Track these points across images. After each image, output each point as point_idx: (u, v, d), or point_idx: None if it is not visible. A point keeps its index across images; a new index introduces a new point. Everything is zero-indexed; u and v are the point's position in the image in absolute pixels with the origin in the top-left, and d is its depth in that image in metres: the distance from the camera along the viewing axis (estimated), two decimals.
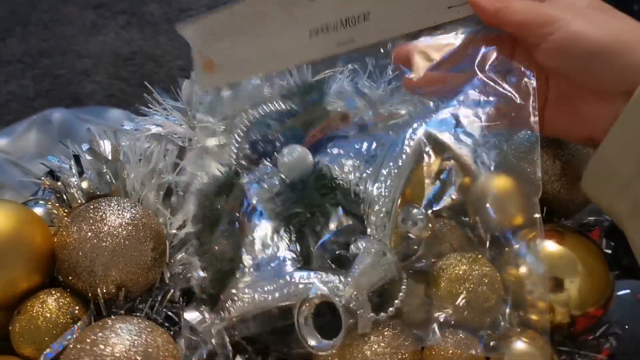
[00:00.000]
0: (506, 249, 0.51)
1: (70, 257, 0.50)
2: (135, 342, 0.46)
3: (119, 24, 1.69)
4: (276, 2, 0.55)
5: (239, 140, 0.56)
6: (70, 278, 0.50)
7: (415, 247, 0.49)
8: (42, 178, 0.55)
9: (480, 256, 0.49)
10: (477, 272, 0.48)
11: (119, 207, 0.51)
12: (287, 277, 0.50)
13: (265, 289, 0.50)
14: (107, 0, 1.73)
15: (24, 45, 1.65)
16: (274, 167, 0.53)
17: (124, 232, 0.50)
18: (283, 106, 0.57)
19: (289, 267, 0.51)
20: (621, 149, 0.47)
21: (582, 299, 0.50)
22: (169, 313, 0.53)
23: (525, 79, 0.50)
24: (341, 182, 0.52)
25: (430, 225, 0.49)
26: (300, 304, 0.47)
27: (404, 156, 0.51)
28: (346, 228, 0.51)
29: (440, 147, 0.52)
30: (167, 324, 0.52)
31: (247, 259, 0.52)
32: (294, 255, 0.51)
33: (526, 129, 0.50)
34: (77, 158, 0.53)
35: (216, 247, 0.53)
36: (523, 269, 0.49)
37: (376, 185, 0.51)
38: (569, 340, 0.50)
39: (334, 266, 0.50)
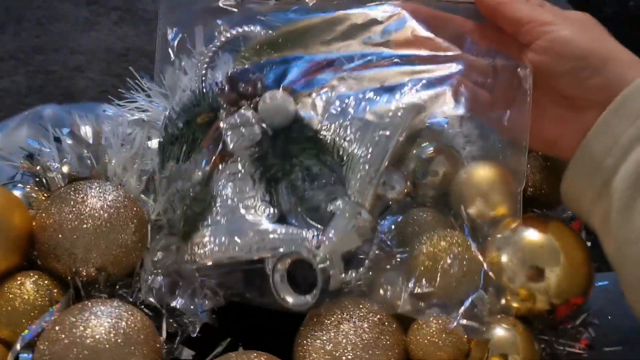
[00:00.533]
0: (488, 238, 0.51)
1: (50, 239, 0.49)
2: (116, 325, 0.46)
3: (112, 20, 1.68)
4: None
5: (210, 55, 0.54)
6: (49, 260, 0.50)
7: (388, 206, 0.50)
8: (22, 161, 0.54)
9: (460, 235, 0.50)
10: (455, 249, 0.49)
11: (100, 190, 0.50)
12: (261, 230, 0.50)
13: (237, 239, 0.50)
14: None
15: (17, 41, 1.64)
16: (255, 113, 0.51)
17: (105, 215, 0.50)
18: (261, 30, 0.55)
19: (263, 219, 0.50)
20: (589, 165, 0.49)
21: (562, 288, 0.49)
22: (150, 299, 0.52)
23: (520, 75, 0.51)
24: (323, 137, 0.51)
25: (406, 191, 0.50)
26: (275, 262, 0.48)
27: (392, 126, 0.50)
28: (324, 185, 0.50)
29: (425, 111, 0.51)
30: (146, 310, 0.52)
31: (219, 205, 0.52)
32: (270, 208, 0.50)
33: (517, 122, 0.51)
34: (57, 140, 0.52)
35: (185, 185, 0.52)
36: (504, 258, 0.50)
37: (362, 150, 0.50)
38: (549, 330, 0.50)
39: (310, 221, 0.49)
